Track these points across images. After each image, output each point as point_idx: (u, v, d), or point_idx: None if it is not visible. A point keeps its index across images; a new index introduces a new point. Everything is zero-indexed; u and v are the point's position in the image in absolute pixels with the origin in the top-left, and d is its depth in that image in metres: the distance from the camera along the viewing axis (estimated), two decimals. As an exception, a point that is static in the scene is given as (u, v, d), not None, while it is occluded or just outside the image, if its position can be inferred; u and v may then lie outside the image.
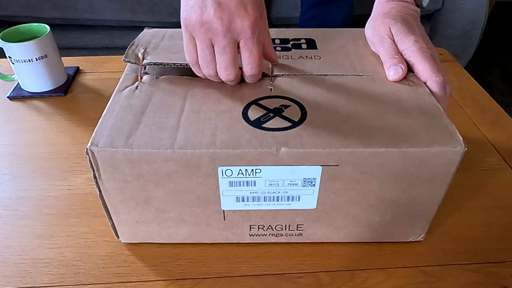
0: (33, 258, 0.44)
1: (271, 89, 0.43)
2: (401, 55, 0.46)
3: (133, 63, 0.46)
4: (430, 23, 1.43)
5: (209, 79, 0.44)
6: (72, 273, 0.42)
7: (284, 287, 0.41)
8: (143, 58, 0.46)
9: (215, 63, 0.40)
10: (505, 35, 2.10)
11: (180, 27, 0.54)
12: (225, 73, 0.40)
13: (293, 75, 0.45)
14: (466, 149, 0.36)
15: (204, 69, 0.41)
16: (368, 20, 0.52)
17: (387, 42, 0.47)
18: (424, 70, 0.44)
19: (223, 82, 0.43)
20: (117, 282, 0.41)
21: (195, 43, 0.40)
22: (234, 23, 0.37)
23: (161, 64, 0.45)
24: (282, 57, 0.48)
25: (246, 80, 0.43)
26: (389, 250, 0.44)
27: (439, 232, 0.46)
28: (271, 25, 1.37)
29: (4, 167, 0.55)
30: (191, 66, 0.42)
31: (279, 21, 1.37)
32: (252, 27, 0.37)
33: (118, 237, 0.44)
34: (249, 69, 0.41)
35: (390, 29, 0.47)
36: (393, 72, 0.44)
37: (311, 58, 0.48)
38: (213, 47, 0.39)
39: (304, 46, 0.51)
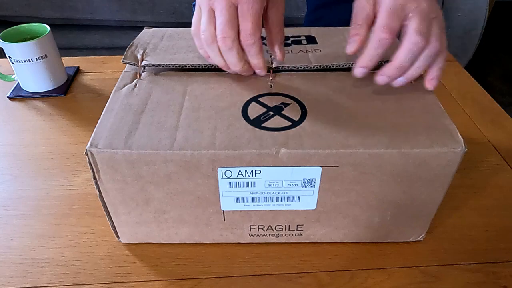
0: (33, 258, 0.44)
1: (271, 85, 0.43)
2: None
3: (132, 64, 0.46)
4: (430, 23, 1.42)
5: (208, 76, 0.44)
6: (72, 273, 0.42)
7: (284, 287, 0.41)
8: (142, 59, 0.46)
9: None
10: (505, 35, 2.10)
11: (180, 27, 0.54)
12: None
13: (293, 67, 0.45)
14: (466, 150, 0.36)
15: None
16: None
17: (361, 4, 0.40)
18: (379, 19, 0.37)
19: (223, 71, 0.43)
20: (117, 282, 0.41)
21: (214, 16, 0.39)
22: None
23: (160, 66, 0.45)
24: None
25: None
26: (389, 250, 0.44)
27: (439, 232, 0.46)
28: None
29: (4, 167, 0.55)
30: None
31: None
32: None
33: (118, 237, 0.44)
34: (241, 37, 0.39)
35: None
36: (349, 46, 0.39)
37: (312, 52, 0.48)
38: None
39: (304, 42, 0.51)
